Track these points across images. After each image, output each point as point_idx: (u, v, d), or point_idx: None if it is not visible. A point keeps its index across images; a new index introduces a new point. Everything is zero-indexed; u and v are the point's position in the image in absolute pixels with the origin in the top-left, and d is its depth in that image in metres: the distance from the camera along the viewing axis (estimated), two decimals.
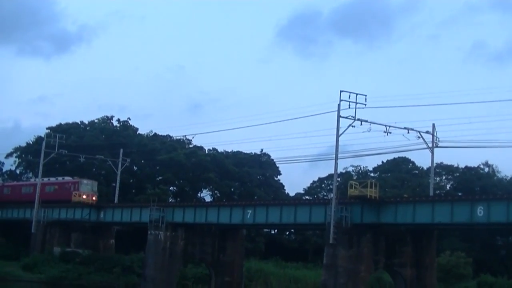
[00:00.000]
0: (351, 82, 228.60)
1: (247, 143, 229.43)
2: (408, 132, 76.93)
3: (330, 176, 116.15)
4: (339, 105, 72.55)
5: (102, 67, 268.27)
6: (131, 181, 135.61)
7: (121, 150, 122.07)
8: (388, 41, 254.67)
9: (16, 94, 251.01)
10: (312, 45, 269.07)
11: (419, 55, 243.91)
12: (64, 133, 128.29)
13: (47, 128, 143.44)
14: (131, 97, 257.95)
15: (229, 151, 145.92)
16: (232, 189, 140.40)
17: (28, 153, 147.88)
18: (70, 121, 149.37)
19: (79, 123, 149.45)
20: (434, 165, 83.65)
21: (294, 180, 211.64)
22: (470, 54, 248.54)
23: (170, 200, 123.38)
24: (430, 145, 79.14)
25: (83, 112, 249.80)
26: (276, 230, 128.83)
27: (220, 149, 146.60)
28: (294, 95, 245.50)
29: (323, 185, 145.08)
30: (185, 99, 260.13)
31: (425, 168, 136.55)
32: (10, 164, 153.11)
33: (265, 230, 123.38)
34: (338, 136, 72.75)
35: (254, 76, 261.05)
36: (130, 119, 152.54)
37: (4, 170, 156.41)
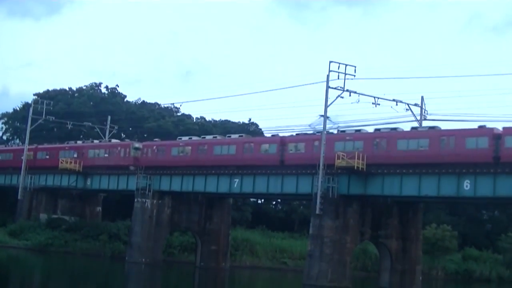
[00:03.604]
0: (344, 51, 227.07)
1: (235, 112, 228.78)
2: (397, 104, 77.01)
3: None
4: (328, 75, 72.65)
5: (94, 31, 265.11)
6: None
7: (109, 118, 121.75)
8: (385, 9, 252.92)
9: (4, 59, 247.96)
10: (306, 12, 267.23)
11: (416, 25, 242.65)
12: (52, 99, 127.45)
13: (34, 95, 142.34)
14: (122, 63, 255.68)
15: (217, 120, 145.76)
16: None
17: (15, 120, 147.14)
18: (58, 88, 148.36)
19: (67, 89, 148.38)
20: None
21: None
22: (468, 24, 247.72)
23: None
24: (419, 117, 79.17)
25: (73, 77, 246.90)
26: (262, 200, 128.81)
27: (208, 118, 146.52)
28: (287, 64, 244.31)
29: None
30: (176, 65, 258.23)
31: None
32: None
33: (252, 199, 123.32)
34: (326, 106, 72.75)
35: (248, 43, 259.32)
36: (118, 86, 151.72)
37: None
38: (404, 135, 69.97)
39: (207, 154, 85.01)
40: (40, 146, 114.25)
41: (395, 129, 72.40)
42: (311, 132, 78.16)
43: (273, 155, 78.39)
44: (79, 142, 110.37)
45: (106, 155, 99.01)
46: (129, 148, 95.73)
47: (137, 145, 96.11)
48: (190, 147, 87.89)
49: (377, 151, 69.94)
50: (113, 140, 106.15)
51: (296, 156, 76.22)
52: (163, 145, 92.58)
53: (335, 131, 76.12)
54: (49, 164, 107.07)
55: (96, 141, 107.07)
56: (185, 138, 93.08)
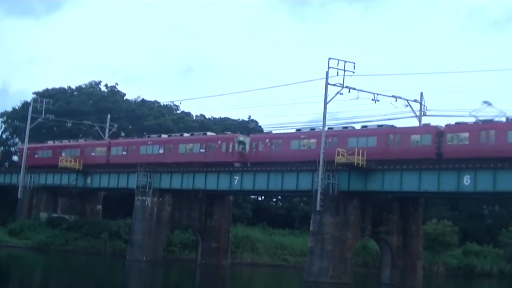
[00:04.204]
0: (344, 48, 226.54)
1: (235, 109, 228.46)
2: (396, 100, 77.21)
3: None
4: (327, 72, 72.73)
5: (94, 28, 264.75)
6: None
7: (109, 116, 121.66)
8: (385, 5, 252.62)
9: (4, 57, 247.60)
10: (307, 8, 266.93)
11: (416, 21, 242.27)
12: (51, 98, 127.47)
13: (33, 93, 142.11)
14: (123, 60, 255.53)
15: (217, 117, 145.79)
16: None
17: (15, 118, 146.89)
18: (57, 86, 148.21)
19: (66, 88, 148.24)
20: None
21: None
22: (468, 20, 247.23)
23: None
24: (418, 113, 79.19)
25: (73, 75, 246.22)
26: (263, 197, 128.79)
27: (207, 115, 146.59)
28: (287, 60, 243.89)
29: None
30: (177, 62, 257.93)
31: None
32: None
33: (252, 196, 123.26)
34: (326, 103, 72.80)
35: (248, 39, 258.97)
36: (118, 84, 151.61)
37: None
38: (354, 133, 73.85)
39: (338, 147, 72.52)
40: (114, 141, 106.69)
41: (365, 126, 75.05)
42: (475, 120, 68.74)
43: (426, 147, 68.97)
44: (164, 135, 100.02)
45: (202, 151, 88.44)
46: (232, 142, 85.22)
47: (242, 138, 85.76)
48: (315, 140, 76.50)
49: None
50: (208, 133, 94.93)
51: (459, 148, 66.67)
52: (278, 137, 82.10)
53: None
54: (124, 161, 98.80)
55: (186, 134, 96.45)
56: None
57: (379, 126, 73.32)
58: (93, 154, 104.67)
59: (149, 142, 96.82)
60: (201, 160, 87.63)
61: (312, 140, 77.14)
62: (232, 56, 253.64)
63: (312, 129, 79.53)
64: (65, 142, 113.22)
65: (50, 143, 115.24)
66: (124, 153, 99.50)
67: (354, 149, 69.09)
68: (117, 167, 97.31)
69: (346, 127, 75.47)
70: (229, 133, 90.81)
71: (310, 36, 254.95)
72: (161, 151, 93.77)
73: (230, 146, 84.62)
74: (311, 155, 74.45)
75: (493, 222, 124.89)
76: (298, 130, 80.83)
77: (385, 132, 71.49)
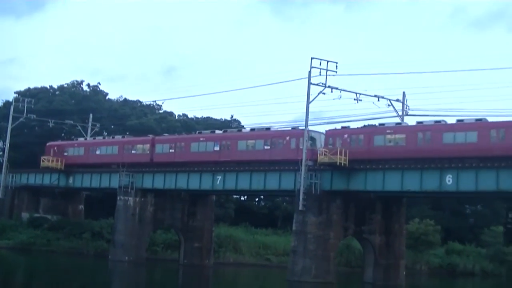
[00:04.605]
0: (327, 47, 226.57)
1: (218, 109, 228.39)
2: (379, 100, 77.19)
3: None
4: (309, 72, 72.63)
5: (77, 28, 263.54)
6: None
7: (91, 115, 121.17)
8: (367, 4, 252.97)
9: None
10: (289, 7, 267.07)
11: (398, 20, 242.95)
12: (33, 97, 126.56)
13: (15, 92, 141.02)
14: (106, 59, 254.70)
15: (199, 117, 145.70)
16: None
17: None
18: (39, 86, 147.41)
19: (48, 87, 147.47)
20: None
21: None
22: (451, 19, 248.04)
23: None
24: (400, 113, 79.31)
25: (55, 74, 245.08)
26: (246, 196, 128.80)
27: (190, 115, 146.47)
28: (270, 60, 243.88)
29: None
30: (160, 61, 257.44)
31: None
32: None
33: (235, 196, 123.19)
34: (308, 103, 72.76)
35: (231, 39, 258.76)
36: (100, 84, 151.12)
37: None
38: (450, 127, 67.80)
39: (433, 143, 67.00)
40: (159, 137, 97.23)
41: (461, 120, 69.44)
42: None
43: None
44: (218, 131, 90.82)
45: (267, 147, 79.84)
46: (303, 138, 75.21)
47: (312, 134, 76.94)
48: (403, 135, 69.83)
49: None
50: (272, 128, 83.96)
51: None
52: (360, 132, 73.39)
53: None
54: (171, 159, 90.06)
55: (246, 129, 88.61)
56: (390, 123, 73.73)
57: (477, 120, 66.19)
58: (133, 152, 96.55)
59: (201, 139, 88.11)
60: (265, 158, 79.25)
61: (400, 136, 70.44)
62: (215, 56, 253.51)
63: (399, 123, 73.39)
64: (99, 138, 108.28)
65: (81, 140, 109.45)
66: (171, 150, 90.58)
67: (337, 148, 69.30)
68: (160, 167, 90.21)
69: (439, 121, 68.45)
70: (298, 127, 79.51)
71: (293, 35, 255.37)
72: (217, 148, 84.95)
73: (301, 142, 74.86)
74: (400, 152, 69.32)
75: (476, 221, 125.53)
76: (381, 124, 73.99)
77: (487, 126, 64.54)
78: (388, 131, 71.00)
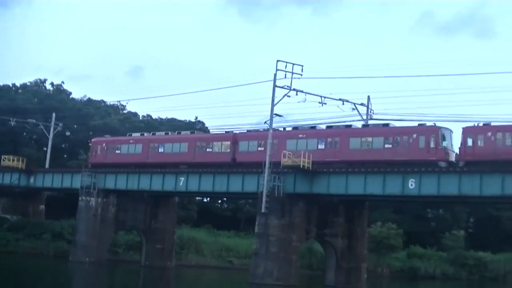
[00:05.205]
0: (294, 50, 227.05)
1: (182, 110, 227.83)
2: (343, 104, 77.50)
3: None
4: (275, 74, 72.63)
5: (41, 26, 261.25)
6: (63, 146, 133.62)
7: (54, 114, 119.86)
8: (335, 8, 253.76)
9: None
10: (257, 9, 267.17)
11: (366, 24, 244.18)
12: None
13: None
14: (70, 58, 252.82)
15: (164, 118, 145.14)
16: None
17: None
18: (1, 84, 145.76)
19: (11, 85, 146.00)
20: None
21: None
22: (418, 24, 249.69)
23: None
24: (365, 117, 79.65)
25: (18, 72, 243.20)
26: (208, 198, 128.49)
27: (154, 116, 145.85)
28: (237, 61, 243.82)
29: None
30: (126, 61, 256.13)
31: None
32: None
33: (198, 198, 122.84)
34: (273, 105, 72.74)
35: (198, 40, 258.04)
36: (64, 83, 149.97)
37: None
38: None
39: None
40: (242, 134, 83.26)
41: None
42: None
43: None
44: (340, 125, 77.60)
45: (388, 146, 69.50)
46: (436, 136, 66.69)
47: (443, 131, 67.32)
48: None
49: None
50: (391, 124, 73.12)
51: None
52: (508, 129, 63.02)
53: None
54: (262, 159, 73.48)
55: (320, 127, 77.35)
56: None
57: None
58: (208, 150, 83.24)
59: (300, 135, 75.83)
60: (387, 158, 68.81)
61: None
62: (181, 57, 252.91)
63: None
64: (160, 134, 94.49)
65: (136, 135, 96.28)
66: (261, 148, 77.66)
67: (301, 151, 69.28)
68: (200, 167, 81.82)
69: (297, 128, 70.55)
70: (425, 124, 69.84)
71: (260, 37, 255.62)
72: (321, 146, 73.74)
73: (432, 140, 66.79)
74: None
75: (437, 225, 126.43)
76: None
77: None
78: None
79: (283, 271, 71.06)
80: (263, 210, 71.15)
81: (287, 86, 72.71)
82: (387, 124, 72.35)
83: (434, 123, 68.13)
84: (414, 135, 67.67)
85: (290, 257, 71.95)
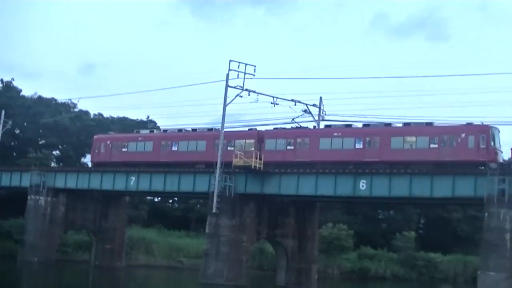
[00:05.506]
0: (247, 49, 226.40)
1: (134, 109, 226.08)
2: (295, 105, 77.55)
3: None
4: (227, 74, 72.65)
5: None
6: (12, 144, 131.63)
7: (3, 112, 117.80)
8: (289, 8, 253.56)
9: None
10: (210, 8, 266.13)
11: (320, 25, 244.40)
12: None
13: None
14: (20, 54, 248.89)
15: (115, 116, 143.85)
16: None
17: None
18: None
19: None
20: None
21: None
22: (371, 25, 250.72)
23: (53, 165, 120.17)
24: (317, 118, 79.86)
25: None
26: (159, 198, 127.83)
27: (106, 114, 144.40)
28: (190, 60, 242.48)
29: None
30: (78, 58, 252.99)
31: None
32: None
33: (149, 197, 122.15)
34: (225, 105, 72.60)
35: (151, 38, 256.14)
36: (14, 80, 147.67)
37: None
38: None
39: None
40: (269, 131, 76.26)
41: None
42: None
43: None
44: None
45: (434, 146, 65.00)
46: (487, 135, 62.47)
47: (494, 131, 63.27)
48: None
49: None
50: (434, 123, 67.62)
51: None
52: None
53: None
54: (291, 159, 71.55)
55: (376, 124, 71.03)
56: None
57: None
58: (230, 148, 74.33)
59: (335, 133, 70.49)
60: (432, 159, 64.46)
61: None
62: (134, 55, 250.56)
63: None
64: (172, 131, 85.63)
65: (144, 132, 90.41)
66: (290, 147, 72.50)
67: (252, 152, 69.28)
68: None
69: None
70: (473, 122, 65.04)
71: (213, 36, 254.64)
72: (359, 145, 68.70)
73: (482, 140, 62.55)
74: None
75: (388, 227, 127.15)
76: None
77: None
78: None
79: (234, 271, 71.04)
80: (214, 210, 70.98)
81: (240, 86, 72.73)
82: (431, 123, 67.22)
83: (482, 122, 64.19)
84: (463, 135, 63.42)
85: (241, 257, 71.98)
